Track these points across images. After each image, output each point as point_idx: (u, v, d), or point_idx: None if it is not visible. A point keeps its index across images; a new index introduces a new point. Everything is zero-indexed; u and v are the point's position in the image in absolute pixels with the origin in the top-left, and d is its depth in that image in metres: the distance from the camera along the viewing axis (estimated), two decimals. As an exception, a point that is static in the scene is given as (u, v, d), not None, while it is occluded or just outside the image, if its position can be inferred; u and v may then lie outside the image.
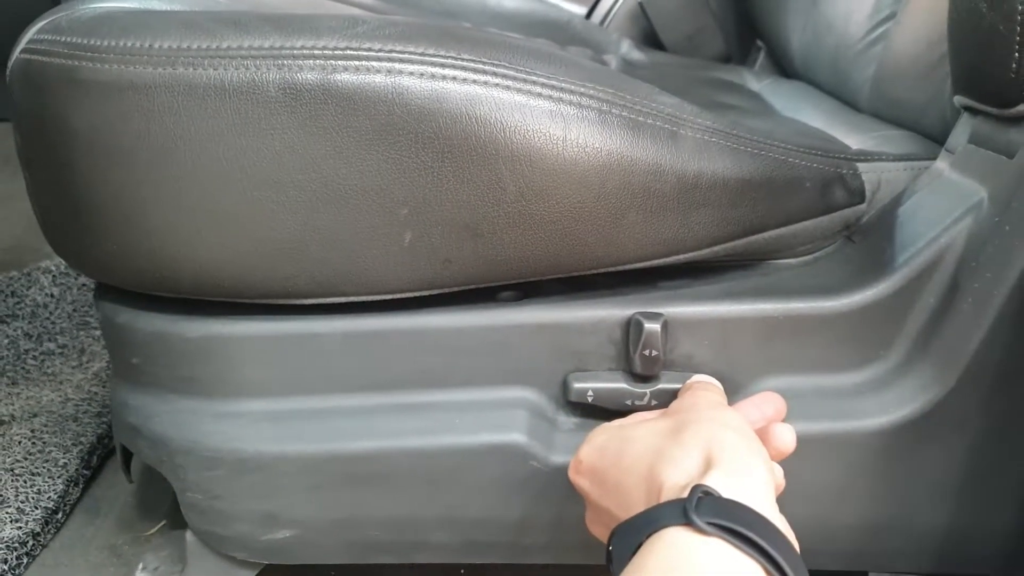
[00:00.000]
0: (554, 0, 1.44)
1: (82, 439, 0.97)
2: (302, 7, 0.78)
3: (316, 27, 0.53)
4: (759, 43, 1.15)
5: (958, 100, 0.63)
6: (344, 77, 0.51)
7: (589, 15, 1.25)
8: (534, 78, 0.54)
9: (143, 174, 0.53)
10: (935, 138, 0.72)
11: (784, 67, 1.10)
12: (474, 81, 0.52)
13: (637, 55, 1.08)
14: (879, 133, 0.76)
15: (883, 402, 0.60)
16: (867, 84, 0.87)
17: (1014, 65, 0.54)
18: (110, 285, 0.63)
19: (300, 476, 0.60)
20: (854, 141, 0.74)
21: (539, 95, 0.53)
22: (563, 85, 0.54)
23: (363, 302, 0.58)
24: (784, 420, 0.59)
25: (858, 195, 0.66)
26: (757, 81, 1.06)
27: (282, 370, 0.60)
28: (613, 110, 0.55)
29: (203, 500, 0.62)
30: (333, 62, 0.52)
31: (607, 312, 0.60)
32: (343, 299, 0.58)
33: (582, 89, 0.55)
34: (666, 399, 0.60)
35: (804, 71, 1.04)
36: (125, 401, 0.64)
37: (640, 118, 0.56)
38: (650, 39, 1.15)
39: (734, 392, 0.61)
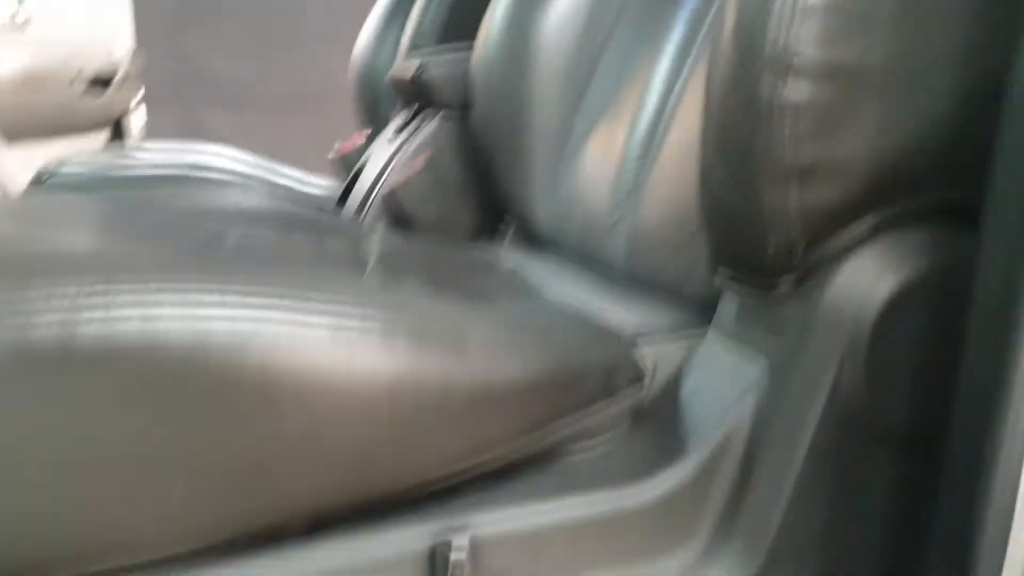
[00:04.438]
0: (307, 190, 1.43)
1: None
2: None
3: (52, 269, 0.47)
4: (507, 218, 1.18)
5: (719, 276, 0.66)
6: (89, 332, 0.45)
7: (341, 203, 1.25)
8: (310, 301, 0.50)
9: None
10: (698, 303, 0.75)
11: (534, 241, 1.13)
12: (242, 318, 0.48)
13: (393, 241, 1.06)
14: (644, 305, 0.78)
15: (699, 589, 0.59)
16: (621, 257, 0.90)
17: (770, 248, 0.57)
18: None
19: None
20: (620, 314, 0.75)
21: (317, 323, 0.49)
22: (342, 303, 0.51)
23: (133, 565, 0.50)
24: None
25: (638, 376, 0.66)
26: (510, 258, 1.08)
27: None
28: (398, 328, 0.52)
29: None
30: (75, 314, 0.45)
31: (409, 542, 0.55)
32: (106, 567, 0.50)
33: (363, 309, 0.51)
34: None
35: (554, 246, 1.07)
36: None
37: (425, 331, 0.53)
38: (402, 222, 1.14)
39: (549, 601, 0.58)
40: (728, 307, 0.66)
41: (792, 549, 0.58)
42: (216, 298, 0.48)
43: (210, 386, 0.47)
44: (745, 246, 0.59)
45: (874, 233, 0.57)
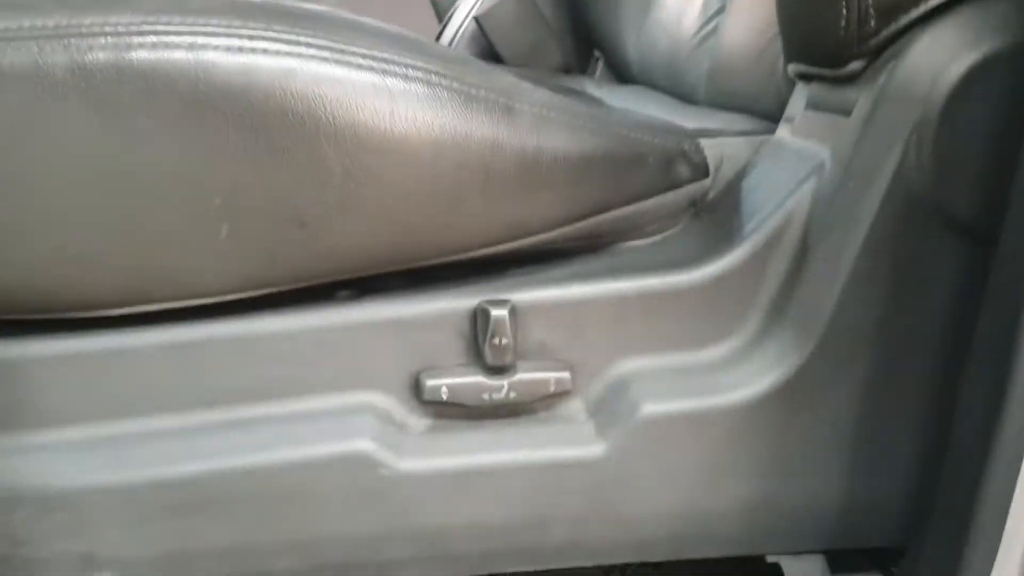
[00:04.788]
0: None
1: None
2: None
3: (107, 2, 0.48)
4: (597, 53, 1.16)
5: (792, 69, 0.63)
6: (140, 55, 0.46)
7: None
8: (354, 50, 0.50)
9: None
10: (771, 116, 0.73)
11: (622, 74, 1.11)
12: (288, 54, 0.48)
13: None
14: (718, 117, 0.76)
15: (745, 374, 0.58)
16: (703, 79, 0.88)
17: (843, 23, 0.54)
18: None
19: (119, 509, 0.53)
20: (694, 125, 0.74)
21: (360, 67, 0.50)
22: (386, 57, 0.51)
23: (180, 308, 0.53)
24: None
25: (702, 170, 0.64)
26: (597, 88, 1.06)
27: (90, 392, 0.53)
28: (442, 83, 0.52)
29: (5, 548, 0.54)
30: (127, 39, 0.46)
31: (452, 303, 0.56)
32: (156, 307, 0.52)
33: (407, 61, 0.51)
34: (525, 391, 0.57)
35: (641, 75, 1.05)
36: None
37: (472, 91, 0.53)
38: (489, 55, 1.13)
39: (591, 376, 0.58)
40: (797, 102, 0.64)
41: (845, 337, 0.56)
42: (261, 39, 0.48)
43: (253, 116, 0.47)
44: (818, 24, 0.56)
45: (951, 5, 0.53)
